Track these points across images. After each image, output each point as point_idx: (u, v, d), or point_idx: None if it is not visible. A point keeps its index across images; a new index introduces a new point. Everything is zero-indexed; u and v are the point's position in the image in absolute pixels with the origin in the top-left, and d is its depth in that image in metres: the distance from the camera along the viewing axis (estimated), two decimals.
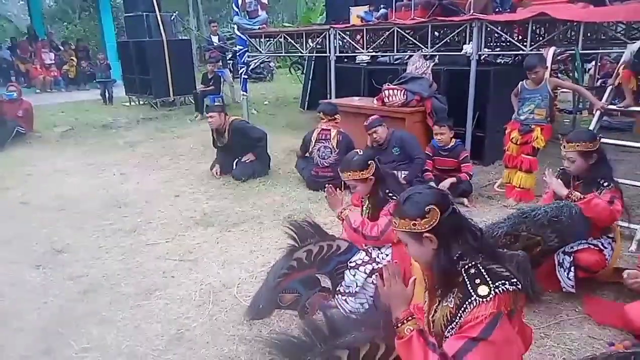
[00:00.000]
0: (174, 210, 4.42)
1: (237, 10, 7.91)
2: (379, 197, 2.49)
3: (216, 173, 5.27)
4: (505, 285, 1.35)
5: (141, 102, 10.70)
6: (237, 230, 3.89)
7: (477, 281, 1.37)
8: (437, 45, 5.69)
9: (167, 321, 2.65)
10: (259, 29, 7.91)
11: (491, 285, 1.35)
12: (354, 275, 2.34)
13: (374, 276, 2.29)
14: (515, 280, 1.37)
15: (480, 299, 1.33)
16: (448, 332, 1.43)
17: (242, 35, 8.11)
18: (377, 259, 2.37)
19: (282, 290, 2.37)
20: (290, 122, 8.38)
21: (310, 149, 4.80)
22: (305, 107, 9.63)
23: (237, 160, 5.24)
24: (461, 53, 5.24)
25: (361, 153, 2.58)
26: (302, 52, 7.60)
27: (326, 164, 4.70)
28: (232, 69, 13.60)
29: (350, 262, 2.38)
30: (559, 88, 4.39)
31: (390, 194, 2.48)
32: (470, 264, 1.42)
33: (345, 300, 2.33)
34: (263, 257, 3.39)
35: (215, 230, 3.90)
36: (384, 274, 1.47)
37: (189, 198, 4.73)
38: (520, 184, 4.21)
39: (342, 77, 7.01)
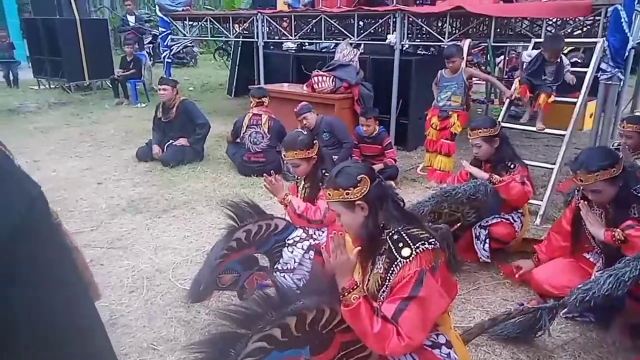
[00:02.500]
0: (97, 197, 4.20)
1: None
2: (317, 177, 2.59)
3: (158, 152, 5.08)
4: (425, 245, 1.51)
5: (52, 86, 9.89)
6: (168, 216, 3.80)
7: (400, 245, 1.53)
8: (363, 35, 5.89)
9: (98, 308, 2.54)
10: (182, 10, 7.64)
11: (412, 246, 1.50)
12: (291, 252, 2.42)
13: (311, 252, 2.38)
14: (433, 239, 1.54)
15: (405, 260, 1.49)
16: (380, 295, 1.57)
17: (164, 17, 7.79)
18: (314, 236, 2.47)
19: (222, 271, 2.39)
20: (217, 109, 8.22)
21: (242, 135, 4.78)
22: (233, 93, 9.48)
23: (168, 143, 5.08)
24: (385, 42, 5.47)
25: (305, 133, 2.66)
26: (229, 37, 7.47)
27: (258, 150, 4.71)
28: (151, 52, 13.02)
29: (288, 240, 2.45)
30: (473, 77, 4.75)
31: (326, 174, 2.59)
32: (393, 231, 1.57)
33: (284, 276, 2.40)
34: (197, 242, 3.36)
35: (145, 217, 3.78)
36: (330, 245, 1.56)
37: (113, 185, 4.52)
38: (441, 167, 4.52)
39: (270, 64, 7.00)
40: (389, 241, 1.55)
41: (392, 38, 5.38)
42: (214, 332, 1.47)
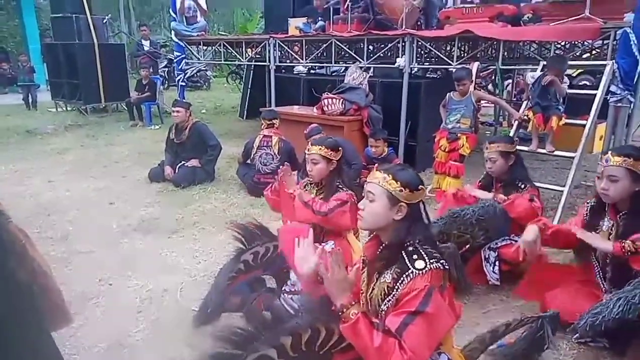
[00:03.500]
0: (109, 217, 4.26)
1: (174, 15, 7.80)
2: (331, 185, 2.62)
3: (170, 173, 5.16)
4: (438, 263, 1.51)
5: (69, 108, 10.15)
6: (177, 237, 3.83)
7: (415, 257, 1.52)
8: (372, 58, 5.98)
9: (105, 329, 2.56)
10: (197, 35, 7.85)
11: (427, 261, 1.50)
12: None
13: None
14: (444, 261, 1.54)
15: (417, 272, 1.48)
16: (385, 304, 1.56)
17: (179, 42, 8.01)
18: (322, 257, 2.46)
19: (230, 293, 2.40)
20: (229, 131, 8.33)
21: (252, 156, 4.84)
22: (244, 116, 9.62)
23: (180, 164, 5.16)
24: (394, 66, 5.55)
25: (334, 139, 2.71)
26: (241, 61, 7.63)
27: (268, 171, 4.75)
28: (165, 76, 13.33)
29: None
30: (482, 100, 4.78)
31: (340, 186, 2.62)
32: (410, 244, 1.56)
33: (292, 298, 2.39)
34: (206, 262, 3.38)
35: (154, 237, 3.81)
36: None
37: (124, 205, 4.58)
38: (449, 189, 4.51)
39: (281, 87, 7.12)
40: (404, 252, 1.54)
41: (401, 61, 5.46)
42: (209, 354, 1.47)
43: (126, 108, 9.19)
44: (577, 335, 2.31)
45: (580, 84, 7.82)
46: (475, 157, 4.95)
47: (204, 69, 15.05)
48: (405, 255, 1.54)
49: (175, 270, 3.25)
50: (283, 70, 8.06)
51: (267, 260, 2.40)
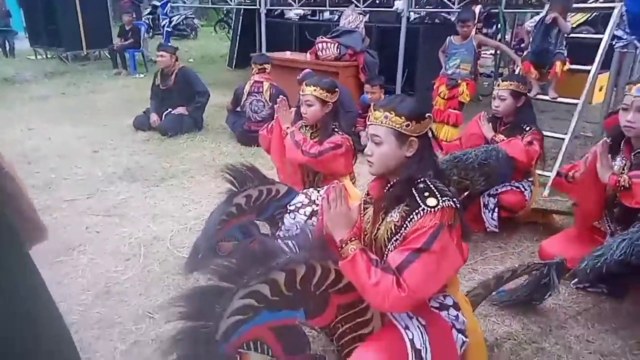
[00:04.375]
0: (93, 165, 4.09)
1: None
2: (326, 128, 2.48)
3: (156, 121, 4.95)
4: (450, 201, 1.39)
5: (49, 56, 9.71)
6: (165, 185, 3.69)
7: (426, 194, 1.41)
8: (369, 1, 5.67)
9: (93, 275, 2.47)
10: None
11: (439, 198, 1.38)
12: (293, 218, 2.32)
13: (313, 218, 2.28)
14: (455, 199, 1.42)
15: (428, 209, 1.37)
16: (391, 244, 1.46)
17: None
18: (317, 201, 2.35)
19: (221, 238, 2.30)
20: (217, 80, 8.00)
21: (242, 103, 4.64)
22: (234, 65, 9.25)
23: (166, 112, 4.94)
24: (392, 9, 5.28)
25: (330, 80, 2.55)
26: (230, 4, 7.24)
27: (259, 118, 4.57)
28: (150, 24, 12.72)
29: (290, 206, 2.34)
30: (483, 45, 4.57)
31: (336, 130, 2.48)
32: (421, 180, 1.45)
33: (287, 243, 2.30)
34: (196, 210, 3.26)
35: (142, 185, 3.67)
36: (330, 195, 1.45)
37: (109, 153, 4.40)
38: (447, 138, 4.38)
39: (272, 33, 6.80)
40: (414, 189, 1.43)
41: (399, 5, 5.19)
42: (197, 287, 1.37)
43: (109, 56, 8.78)
44: (575, 280, 2.27)
45: (581, 34, 7.56)
46: (472, 107, 4.80)
47: (190, 16, 14.41)
48: (415, 192, 1.42)
49: (164, 218, 3.13)
50: (274, 15, 7.68)
51: (260, 204, 2.29)
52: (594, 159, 2.16)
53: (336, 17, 6.94)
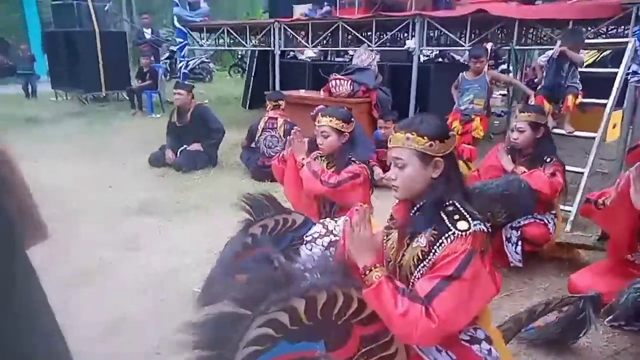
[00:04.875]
0: (108, 199, 4.09)
1: (177, 1, 7.61)
2: (343, 159, 2.45)
3: (171, 157, 4.98)
4: (481, 225, 1.33)
5: (69, 97, 9.98)
6: (179, 219, 3.66)
7: (456, 217, 1.34)
8: (381, 41, 5.79)
9: (104, 307, 2.40)
10: (200, 21, 7.66)
11: (470, 222, 1.32)
12: (310, 250, 2.25)
13: (331, 249, 2.21)
14: (487, 224, 1.36)
15: (459, 233, 1.30)
16: (418, 272, 1.38)
17: (182, 28, 7.82)
18: (334, 232, 2.29)
19: (237, 270, 2.23)
20: (232, 120, 8.08)
21: (257, 138, 4.67)
22: (247, 105, 9.42)
23: (182, 148, 4.99)
24: (403, 48, 5.38)
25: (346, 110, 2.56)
26: (245, 46, 7.45)
27: (272, 153, 4.56)
28: (168, 68, 13.14)
29: (307, 236, 2.28)
30: (496, 81, 4.60)
31: (353, 159, 2.45)
32: (448, 203, 1.38)
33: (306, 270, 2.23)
34: (210, 244, 3.19)
35: (156, 220, 3.65)
36: (354, 218, 1.39)
37: (124, 188, 4.41)
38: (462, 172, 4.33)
39: (286, 74, 6.95)
40: (442, 212, 1.36)
41: (411, 44, 5.30)
42: (212, 314, 1.30)
43: (127, 97, 9.01)
44: (610, 317, 2.14)
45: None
46: (484, 144, 4.77)
47: (206, 60, 14.87)
48: (445, 216, 1.35)
49: (177, 252, 3.08)
50: (288, 56, 7.88)
51: (277, 235, 2.23)
52: (627, 184, 2.07)
53: (348, 59, 7.11)
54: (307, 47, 6.60)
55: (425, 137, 1.36)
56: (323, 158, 2.63)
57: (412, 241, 1.42)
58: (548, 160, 2.74)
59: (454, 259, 1.28)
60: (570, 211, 3.50)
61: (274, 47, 6.62)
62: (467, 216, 1.34)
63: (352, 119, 2.51)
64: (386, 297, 1.28)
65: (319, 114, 2.57)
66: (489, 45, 4.72)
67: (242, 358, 1.26)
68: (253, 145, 4.80)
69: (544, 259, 2.85)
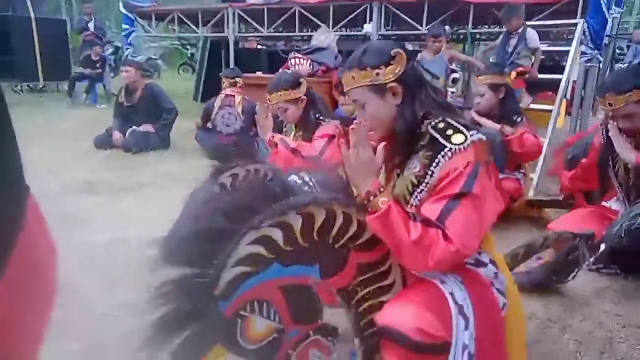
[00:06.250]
0: (48, 180, 3.69)
1: None
2: (310, 121, 2.29)
3: (119, 138, 4.62)
4: (479, 134, 1.21)
5: (2, 87, 9.19)
6: (130, 196, 3.37)
7: (449, 132, 1.21)
8: (339, 25, 5.73)
9: None
10: (148, 6, 7.30)
11: (466, 133, 1.20)
12: None
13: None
14: (483, 134, 1.25)
15: (457, 147, 1.17)
16: (415, 198, 1.25)
17: (128, 14, 7.43)
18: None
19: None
20: (184, 112, 7.66)
21: (213, 117, 4.43)
22: (199, 98, 9.07)
23: (131, 130, 4.64)
24: (361, 33, 5.34)
25: (290, 72, 2.37)
26: (197, 32, 7.17)
27: (231, 132, 4.36)
28: (112, 64, 12.47)
29: None
30: (454, 60, 4.63)
31: (321, 118, 2.31)
32: (437, 120, 1.26)
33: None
34: (167, 217, 2.93)
35: (103, 197, 3.33)
36: (351, 138, 1.23)
37: (66, 170, 4.02)
38: None
39: (241, 62, 6.72)
40: (433, 131, 1.23)
41: (368, 28, 5.25)
42: (197, 228, 1.10)
43: (67, 87, 8.37)
44: (591, 260, 2.11)
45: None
46: None
47: (154, 57, 14.30)
48: (436, 133, 1.23)
49: (129, 224, 2.80)
50: (244, 42, 7.67)
51: None
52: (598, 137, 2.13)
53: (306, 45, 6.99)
54: (262, 33, 6.42)
55: (368, 69, 1.25)
56: (292, 126, 2.48)
57: (403, 171, 1.30)
58: (518, 119, 2.72)
59: (458, 176, 1.15)
60: (532, 178, 3.54)
61: (229, 33, 6.39)
62: (461, 128, 1.22)
63: (300, 80, 2.35)
64: (396, 224, 1.13)
65: (267, 92, 2.40)
66: (446, 29, 4.75)
67: (229, 279, 1.07)
68: (209, 125, 4.56)
69: (515, 217, 2.83)
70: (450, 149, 1.18)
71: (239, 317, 1.11)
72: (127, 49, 7.65)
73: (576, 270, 1.87)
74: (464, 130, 1.21)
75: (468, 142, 1.17)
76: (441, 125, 1.24)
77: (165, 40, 16.70)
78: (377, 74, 1.24)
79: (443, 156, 1.18)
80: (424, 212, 1.17)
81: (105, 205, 3.13)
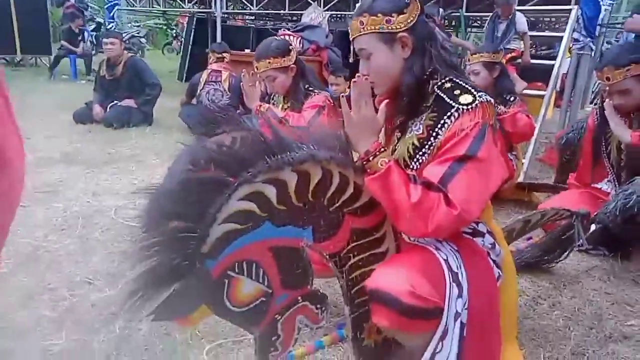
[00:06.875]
0: (25, 150, 3.55)
1: None
2: (300, 92, 2.19)
3: (99, 112, 4.45)
4: (487, 96, 1.15)
5: None
6: (110, 168, 3.24)
7: (457, 92, 1.14)
8: (329, 4, 5.62)
9: (15, 246, 1.97)
10: None
11: (475, 94, 1.13)
12: None
13: None
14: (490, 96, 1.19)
15: (464, 108, 1.10)
16: (416, 161, 1.18)
17: None
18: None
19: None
20: (168, 90, 7.51)
21: (199, 92, 4.30)
22: (184, 78, 8.86)
23: (112, 104, 4.48)
24: (353, 12, 5.24)
25: (279, 39, 2.27)
26: (184, 7, 6.97)
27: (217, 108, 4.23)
28: (94, 41, 12.11)
29: None
30: None
31: (311, 89, 2.22)
32: (444, 80, 1.19)
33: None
34: (148, 189, 2.84)
35: (82, 168, 3.20)
36: (352, 94, 1.16)
37: (44, 142, 3.87)
38: None
39: (228, 39, 6.55)
40: (439, 91, 1.16)
41: None
42: (186, 177, 1.02)
43: (49, 64, 8.07)
44: (580, 241, 2.09)
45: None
46: None
47: (137, 35, 13.92)
48: (443, 94, 1.16)
49: (107, 195, 2.70)
50: (231, 20, 7.49)
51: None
52: (592, 119, 2.14)
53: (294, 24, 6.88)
54: (251, 9, 6.27)
55: (379, 15, 1.16)
56: (278, 96, 2.38)
57: (404, 133, 1.23)
58: (510, 98, 2.69)
59: (465, 137, 1.08)
60: (522, 162, 3.54)
61: (216, 9, 6.23)
62: (470, 88, 1.16)
63: (290, 47, 2.25)
64: (395, 185, 1.06)
65: (254, 59, 2.28)
66: (440, 11, 4.70)
67: (217, 236, 0.99)
68: (194, 101, 4.43)
69: (504, 200, 2.81)
70: (458, 109, 1.11)
71: (227, 277, 1.03)
72: (109, 23, 7.40)
73: (569, 249, 1.85)
74: (473, 90, 1.14)
75: (477, 102, 1.11)
76: (448, 85, 1.18)
77: (149, 20, 16.34)
78: (388, 21, 1.15)
79: (449, 117, 1.12)
80: (426, 174, 1.11)
81: (83, 177, 3.01)
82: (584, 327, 1.56)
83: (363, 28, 1.18)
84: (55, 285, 1.70)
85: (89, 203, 2.54)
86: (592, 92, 5.66)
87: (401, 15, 1.16)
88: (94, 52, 11.01)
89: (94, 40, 12.21)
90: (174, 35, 14.93)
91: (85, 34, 8.30)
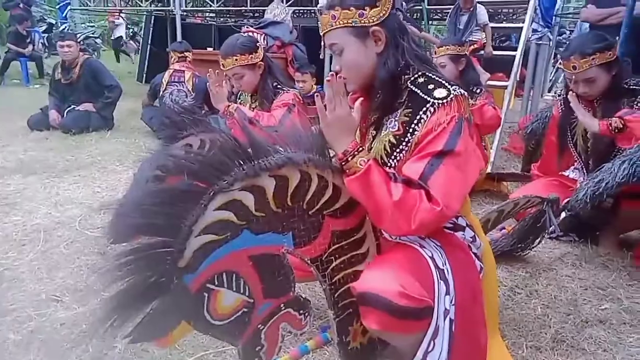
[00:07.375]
0: None
1: None
2: (268, 90, 2.14)
3: (56, 118, 4.23)
4: (461, 89, 1.14)
5: None
6: (70, 176, 3.09)
7: (431, 86, 1.13)
8: (292, 0, 5.56)
9: None
10: None
11: (449, 87, 1.12)
12: None
13: None
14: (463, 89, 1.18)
15: (439, 102, 1.09)
16: (394, 159, 1.16)
17: None
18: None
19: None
20: (128, 93, 7.28)
21: (161, 93, 4.16)
22: (144, 79, 8.58)
23: (69, 108, 4.28)
24: (317, 7, 5.18)
25: (245, 35, 2.20)
26: (141, 5, 6.74)
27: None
28: (46, 43, 11.56)
29: None
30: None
31: (279, 86, 2.16)
32: (417, 75, 1.17)
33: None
34: (110, 197, 2.73)
35: (40, 178, 3.03)
36: (327, 93, 1.12)
37: None
38: None
39: (189, 37, 6.38)
40: (412, 86, 1.15)
41: (323, 2, 5.11)
42: (155, 187, 0.96)
43: (1, 63, 7.62)
44: (552, 228, 2.14)
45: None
46: None
47: (92, 35, 13.39)
48: (416, 89, 1.14)
49: (69, 205, 2.57)
50: (191, 17, 7.29)
51: None
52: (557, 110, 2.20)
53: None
54: (211, 6, 6.13)
55: (352, 8, 1.13)
56: (245, 95, 2.32)
57: (379, 131, 1.20)
58: (477, 90, 2.72)
59: (442, 132, 1.07)
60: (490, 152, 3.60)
61: (175, 7, 6.05)
62: (443, 82, 1.15)
63: (257, 44, 2.19)
64: (376, 184, 1.04)
65: (220, 57, 2.21)
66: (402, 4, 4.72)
67: (194, 249, 0.94)
68: (156, 103, 4.28)
69: (475, 191, 2.83)
70: (433, 103, 1.10)
71: (206, 290, 0.98)
72: (62, 24, 7.08)
73: (541, 236, 1.88)
74: (446, 84, 1.13)
75: (451, 96, 1.10)
76: (421, 80, 1.16)
77: (104, 20, 15.75)
78: (361, 14, 1.13)
79: (425, 112, 1.10)
80: (406, 171, 1.09)
81: (42, 187, 2.85)
82: (561, 314, 1.59)
83: (335, 22, 1.15)
84: (18, 305, 1.59)
85: (50, 214, 2.41)
86: (550, 80, 5.83)
87: (374, 9, 1.13)
88: (45, 54, 10.54)
89: (46, 42, 11.70)
90: (131, 34, 14.43)
91: (36, 35, 7.87)
